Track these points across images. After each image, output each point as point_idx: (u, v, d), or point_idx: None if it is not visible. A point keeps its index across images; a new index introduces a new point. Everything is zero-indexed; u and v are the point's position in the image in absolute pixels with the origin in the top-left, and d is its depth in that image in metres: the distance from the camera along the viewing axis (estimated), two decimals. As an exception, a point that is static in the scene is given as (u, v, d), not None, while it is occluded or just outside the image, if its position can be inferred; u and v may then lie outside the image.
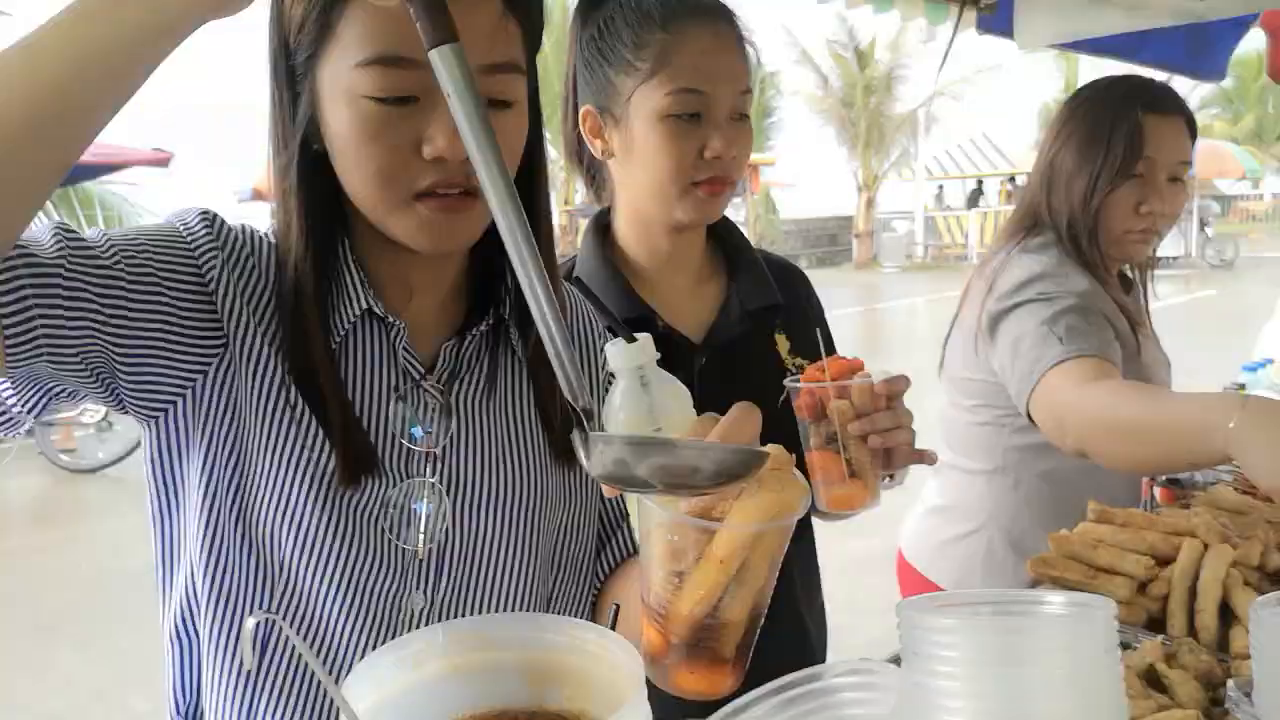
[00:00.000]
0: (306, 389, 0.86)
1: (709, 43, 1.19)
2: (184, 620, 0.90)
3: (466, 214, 0.85)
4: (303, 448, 0.86)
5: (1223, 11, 2.28)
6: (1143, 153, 1.63)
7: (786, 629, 1.39)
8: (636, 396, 0.73)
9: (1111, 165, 1.64)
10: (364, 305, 0.89)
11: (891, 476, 1.14)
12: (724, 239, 1.39)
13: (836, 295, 16.05)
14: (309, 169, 0.86)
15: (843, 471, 1.10)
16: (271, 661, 0.88)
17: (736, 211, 22.00)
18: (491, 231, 0.94)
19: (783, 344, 1.35)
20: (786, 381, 1.17)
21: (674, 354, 1.24)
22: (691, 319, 1.30)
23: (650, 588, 0.68)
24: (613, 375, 0.78)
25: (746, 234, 1.46)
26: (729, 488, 0.62)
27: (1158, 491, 1.94)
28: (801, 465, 0.68)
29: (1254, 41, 3.22)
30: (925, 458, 1.16)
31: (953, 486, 1.87)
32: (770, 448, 0.65)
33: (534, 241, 0.66)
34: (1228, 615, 1.19)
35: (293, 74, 0.85)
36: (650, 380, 0.73)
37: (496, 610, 0.95)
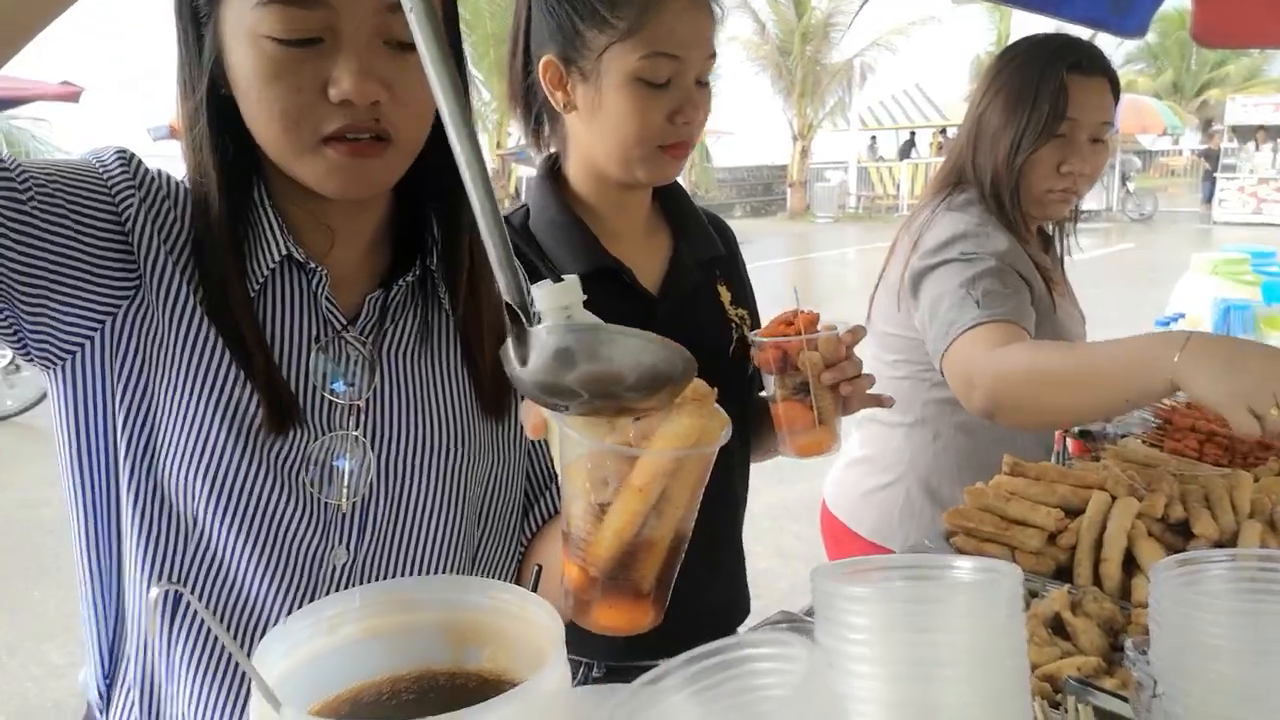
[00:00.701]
0: (227, 333, 0.84)
1: (686, 5, 1.16)
2: (104, 575, 0.88)
3: (377, 159, 0.83)
4: (224, 394, 0.84)
5: (1148, -30, 2.30)
6: (1066, 113, 1.65)
7: (723, 571, 1.43)
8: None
9: (1035, 124, 1.65)
10: (283, 251, 0.86)
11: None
12: (667, 194, 1.39)
13: (770, 245, 16.16)
14: (219, 113, 0.83)
15: (812, 419, 1.18)
16: (192, 623, 0.86)
17: (672, 158, 21.74)
18: (417, 181, 0.92)
19: (724, 294, 1.37)
20: (751, 336, 1.21)
21: (635, 305, 1.27)
22: (646, 270, 1.31)
23: (571, 522, 0.68)
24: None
25: (682, 181, 1.46)
26: (656, 398, 0.61)
27: (1070, 444, 2.01)
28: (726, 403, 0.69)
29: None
30: (883, 401, 1.24)
31: (873, 438, 1.91)
32: (693, 381, 0.64)
33: (477, 142, 0.62)
34: (1132, 565, 1.24)
35: (196, 15, 0.81)
36: (575, 319, 0.71)
37: (421, 566, 0.95)
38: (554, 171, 1.32)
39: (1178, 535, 1.31)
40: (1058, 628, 1.09)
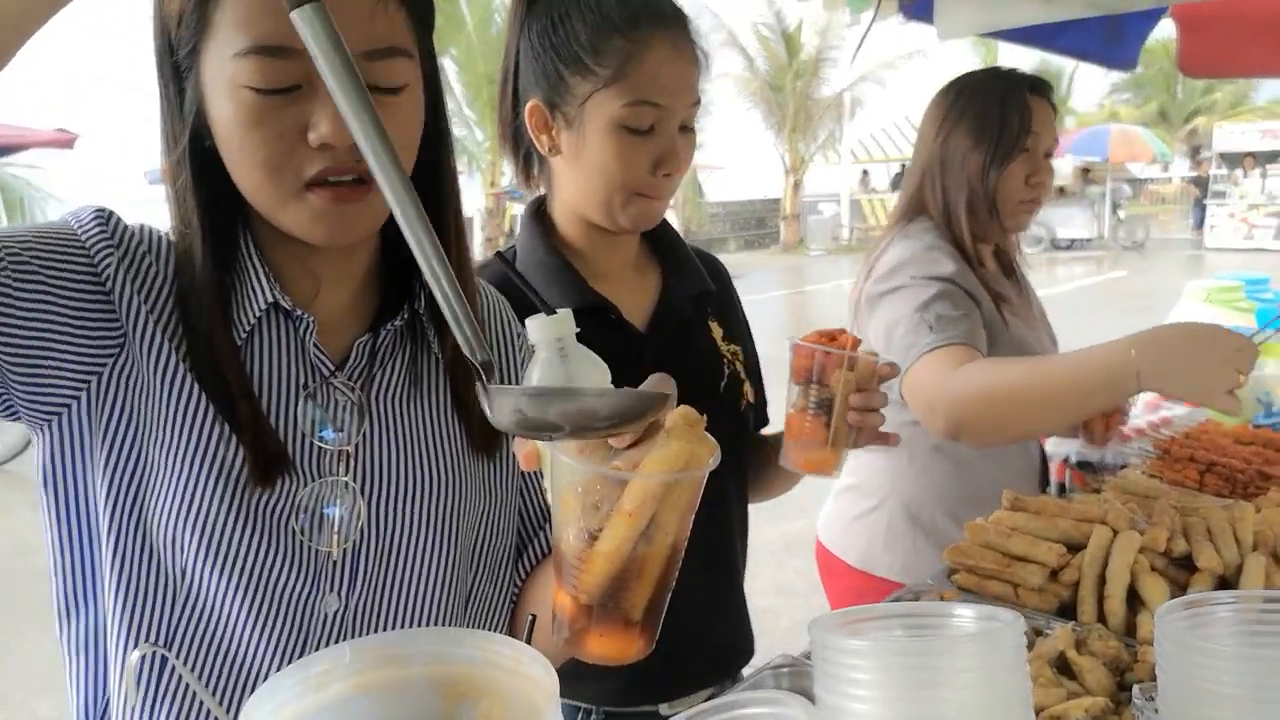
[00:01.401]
0: (212, 387, 0.83)
1: (669, 54, 1.17)
2: (87, 633, 0.86)
3: (360, 203, 0.83)
4: (209, 447, 0.83)
5: (1136, 4, 2.33)
6: (1031, 128, 1.78)
7: (730, 610, 1.42)
8: (555, 367, 0.73)
9: (1007, 140, 1.77)
10: (269, 299, 0.86)
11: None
12: (656, 230, 1.39)
13: (764, 279, 16.21)
14: (202, 165, 0.83)
15: (825, 437, 1.18)
16: (177, 686, 0.84)
17: (666, 194, 21.89)
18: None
19: (716, 330, 1.37)
20: (790, 338, 1.21)
21: (625, 342, 1.27)
22: (635, 308, 1.31)
23: (562, 549, 0.68)
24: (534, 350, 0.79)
25: (674, 217, 1.48)
26: (635, 425, 0.63)
27: (1070, 475, 2.00)
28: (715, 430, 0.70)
29: (1163, 29, 3.33)
30: (889, 440, 1.23)
31: (858, 466, 1.94)
32: (681, 408, 0.65)
33: (417, 199, 0.65)
34: (1136, 601, 1.23)
35: (177, 69, 0.82)
36: (569, 353, 0.73)
37: (414, 610, 0.93)
38: (541, 213, 1.33)
39: (1181, 569, 1.30)
40: (1063, 666, 1.07)
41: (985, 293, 1.75)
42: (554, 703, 0.67)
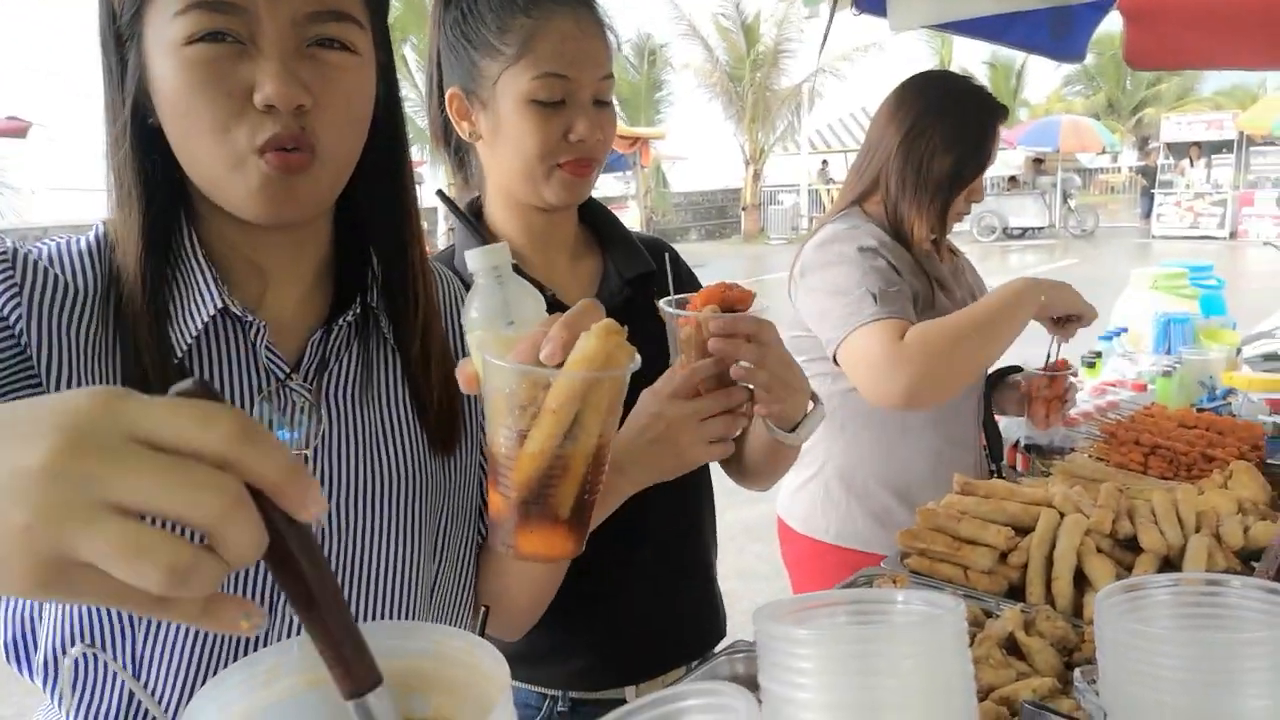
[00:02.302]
0: None
1: (571, 28, 1.20)
2: (18, 641, 0.84)
3: (304, 175, 0.81)
4: None
5: (1081, -4, 2.37)
6: (989, 161, 1.93)
7: (699, 588, 1.45)
8: (491, 294, 0.75)
9: (974, 165, 1.89)
10: (218, 304, 0.83)
11: None
12: (592, 215, 1.42)
13: (726, 267, 16.25)
14: (144, 143, 0.80)
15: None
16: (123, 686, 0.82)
17: (628, 185, 21.99)
18: (353, 214, 0.90)
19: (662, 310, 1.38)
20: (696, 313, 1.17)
21: None
22: (574, 293, 1.31)
23: (494, 450, 0.71)
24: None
25: (638, 207, 1.48)
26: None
27: (1020, 458, 2.03)
28: None
29: (1112, 22, 3.38)
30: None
31: None
32: (604, 320, 0.70)
33: None
34: (1083, 582, 1.25)
35: (119, 38, 0.79)
36: (505, 281, 0.76)
37: (379, 607, 0.92)
38: (475, 212, 1.36)
39: (1126, 550, 1.33)
40: (1012, 648, 1.09)
41: (921, 272, 1.86)
42: (506, 693, 0.66)
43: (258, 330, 0.86)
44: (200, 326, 0.83)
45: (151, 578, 0.39)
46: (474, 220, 1.33)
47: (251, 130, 0.77)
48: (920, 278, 1.86)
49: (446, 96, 1.27)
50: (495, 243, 0.79)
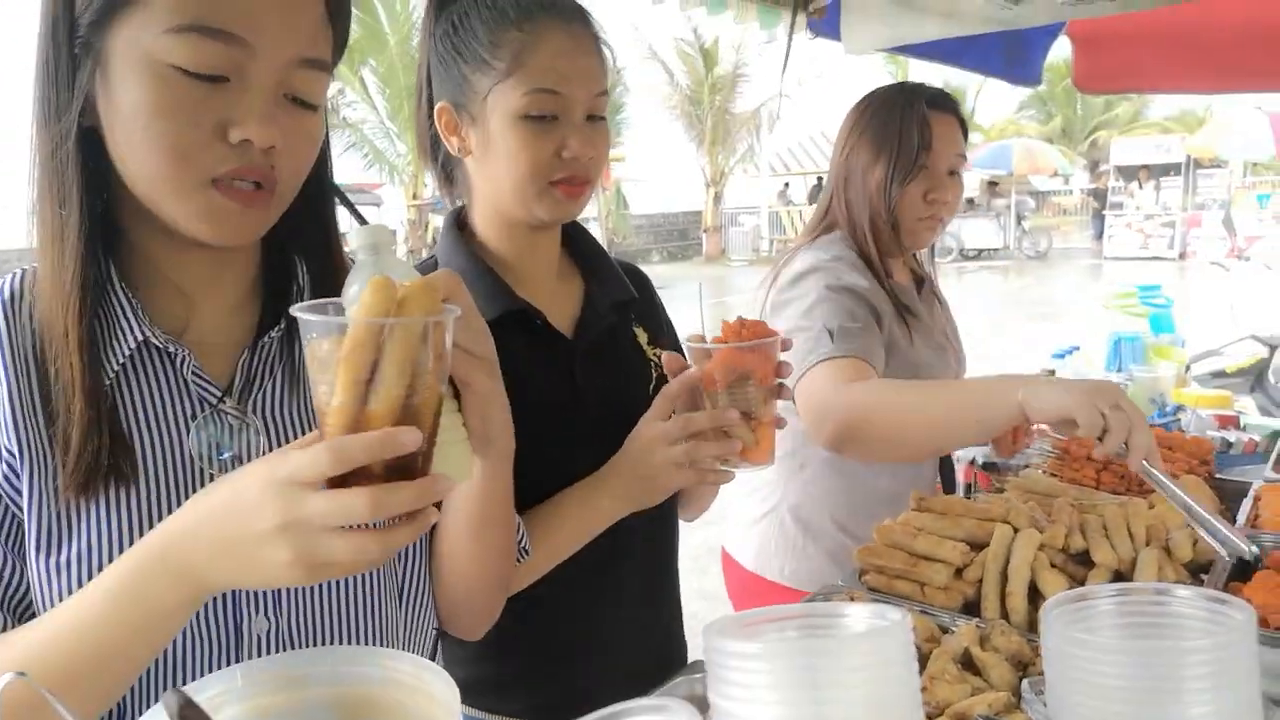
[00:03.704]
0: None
1: (564, 44, 1.18)
2: None
3: (261, 209, 0.81)
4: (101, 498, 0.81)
5: (1031, 20, 2.42)
6: (930, 145, 1.78)
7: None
8: (370, 271, 0.75)
9: (906, 157, 1.77)
10: (139, 336, 0.82)
11: None
12: (576, 239, 1.40)
13: (689, 289, 16.23)
14: (83, 147, 0.79)
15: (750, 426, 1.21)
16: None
17: (589, 207, 21.93)
18: (282, 230, 0.89)
19: (641, 335, 1.38)
20: (699, 344, 1.18)
21: (552, 346, 1.27)
22: (559, 313, 1.30)
23: (315, 407, 0.70)
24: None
25: (599, 229, 1.49)
26: None
27: (976, 477, 2.05)
28: None
29: (1063, 49, 3.47)
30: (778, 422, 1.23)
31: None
32: (385, 278, 0.67)
33: None
34: (1037, 596, 1.26)
35: (72, 34, 0.77)
36: (383, 258, 0.76)
37: (353, 622, 0.91)
38: (460, 222, 1.33)
39: (1079, 565, 1.34)
40: (967, 663, 1.09)
41: (890, 307, 1.76)
42: (455, 717, 0.66)
43: (183, 360, 0.85)
44: (124, 357, 0.82)
45: (373, 551, 0.66)
46: (458, 229, 1.32)
47: (215, 162, 0.77)
48: (891, 315, 1.76)
49: (436, 110, 1.25)
50: (372, 224, 0.79)
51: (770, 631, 0.51)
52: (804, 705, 0.45)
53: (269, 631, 0.86)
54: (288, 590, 0.87)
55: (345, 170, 19.41)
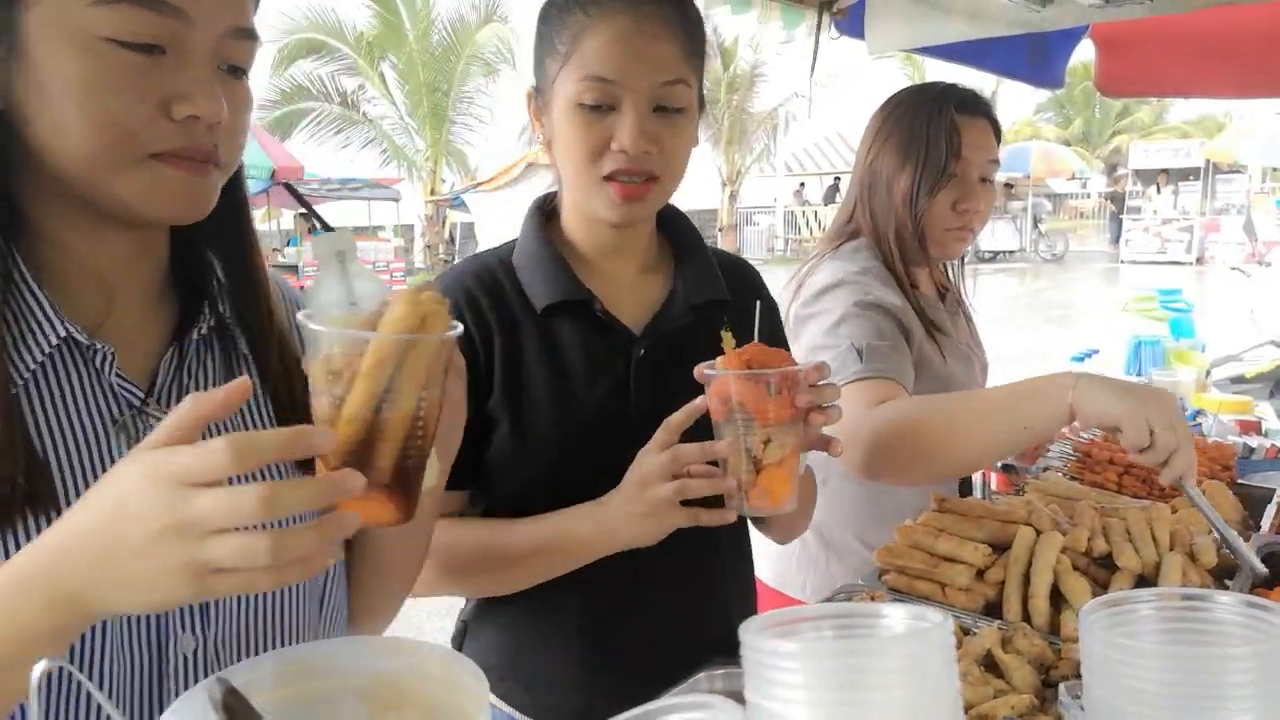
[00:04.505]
0: None
1: (626, 27, 1.11)
2: None
3: (207, 180, 0.79)
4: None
5: (1058, 22, 2.41)
6: (960, 153, 1.67)
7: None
8: (334, 277, 0.75)
9: (933, 166, 1.66)
10: (60, 333, 0.77)
11: None
12: (674, 230, 1.33)
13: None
14: None
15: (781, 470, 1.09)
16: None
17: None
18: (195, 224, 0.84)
19: (728, 341, 1.16)
20: (711, 369, 1.06)
21: (612, 341, 1.21)
22: (633, 309, 1.24)
23: (315, 418, 0.70)
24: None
25: None
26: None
27: (994, 479, 2.04)
28: None
29: (1084, 51, 3.44)
30: (832, 448, 1.13)
31: None
32: (419, 288, 0.69)
33: None
34: (1059, 599, 1.26)
35: None
36: (348, 265, 0.75)
37: (282, 635, 0.88)
38: (545, 208, 1.30)
39: (1102, 568, 1.33)
40: (990, 664, 1.09)
41: (919, 323, 1.67)
42: (484, 711, 0.66)
43: (104, 357, 0.80)
44: (42, 357, 0.77)
45: (259, 553, 0.58)
46: (541, 215, 1.27)
47: (159, 138, 0.75)
48: (920, 331, 1.67)
49: (525, 95, 1.23)
50: (337, 230, 0.80)
51: (807, 631, 0.50)
52: (842, 706, 0.45)
53: (196, 650, 0.82)
54: (215, 606, 0.83)
55: (364, 165, 19.50)
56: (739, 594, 1.35)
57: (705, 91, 1.26)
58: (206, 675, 0.81)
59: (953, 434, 1.39)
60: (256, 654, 0.85)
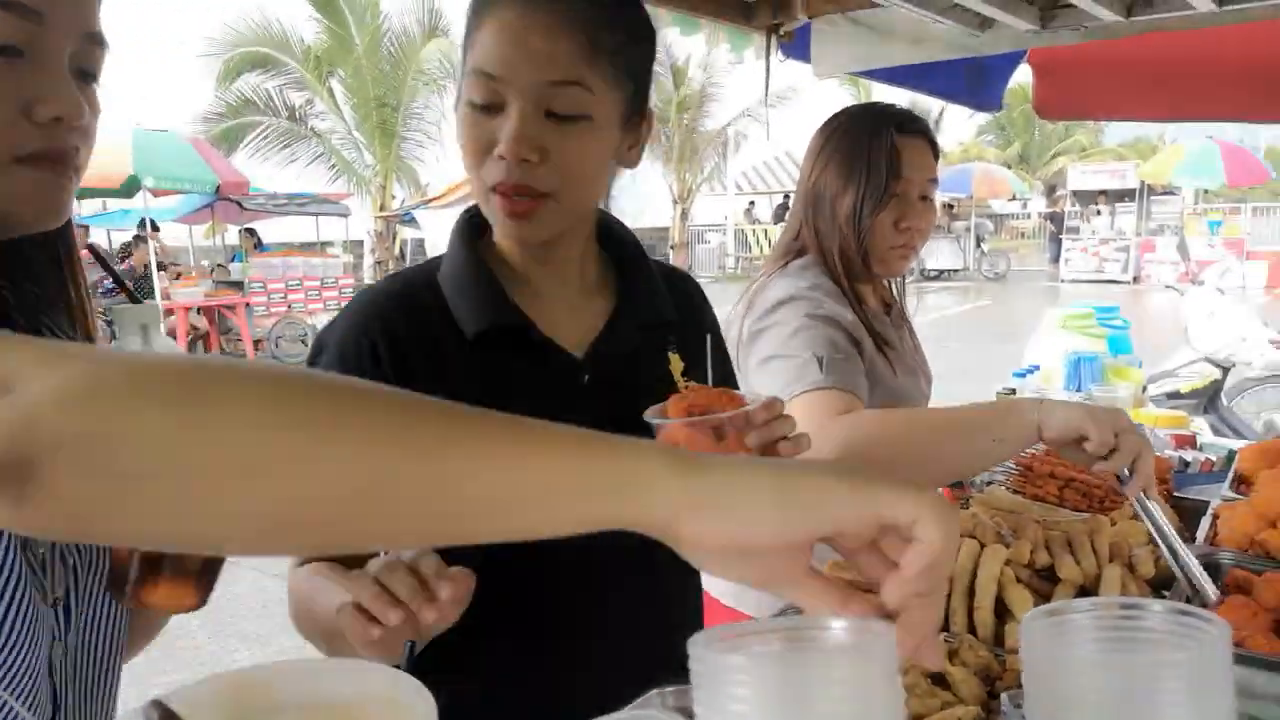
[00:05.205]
0: None
1: (513, 20, 1.00)
2: None
3: (68, 185, 0.78)
4: None
5: (995, 47, 2.48)
6: (900, 173, 1.70)
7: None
8: (137, 349, 0.76)
9: (875, 186, 1.69)
10: None
11: None
12: (615, 246, 1.24)
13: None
14: None
15: None
16: None
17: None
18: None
19: (676, 364, 1.11)
20: (656, 419, 1.00)
21: (554, 368, 1.12)
22: (574, 331, 1.15)
23: None
24: None
25: None
26: None
27: (941, 492, 2.07)
28: None
29: (1024, 75, 3.55)
30: None
31: None
32: None
33: None
34: (1004, 611, 1.28)
35: None
36: (152, 339, 0.76)
37: (108, 675, 0.88)
38: (475, 220, 1.17)
39: (1044, 580, 1.36)
40: (937, 677, 1.10)
41: (869, 337, 1.69)
42: (432, 733, 0.65)
43: None
44: None
45: None
46: (470, 229, 1.17)
47: (21, 140, 0.74)
48: (870, 345, 1.68)
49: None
50: (146, 303, 0.79)
51: (755, 644, 0.51)
52: (788, 718, 0.45)
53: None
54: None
55: (313, 180, 19.24)
56: (686, 614, 1.31)
57: (655, 108, 1.19)
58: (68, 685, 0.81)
59: (935, 447, 1.42)
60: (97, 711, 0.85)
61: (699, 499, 0.51)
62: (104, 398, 0.50)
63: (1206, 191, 20.38)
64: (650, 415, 1.00)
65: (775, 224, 25.98)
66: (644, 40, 1.11)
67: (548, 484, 0.53)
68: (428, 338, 1.10)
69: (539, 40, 0.99)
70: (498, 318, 1.10)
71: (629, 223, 1.31)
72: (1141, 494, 1.28)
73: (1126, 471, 1.27)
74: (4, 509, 0.50)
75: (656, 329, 1.18)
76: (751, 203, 28.01)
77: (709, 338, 1.11)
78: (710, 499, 0.51)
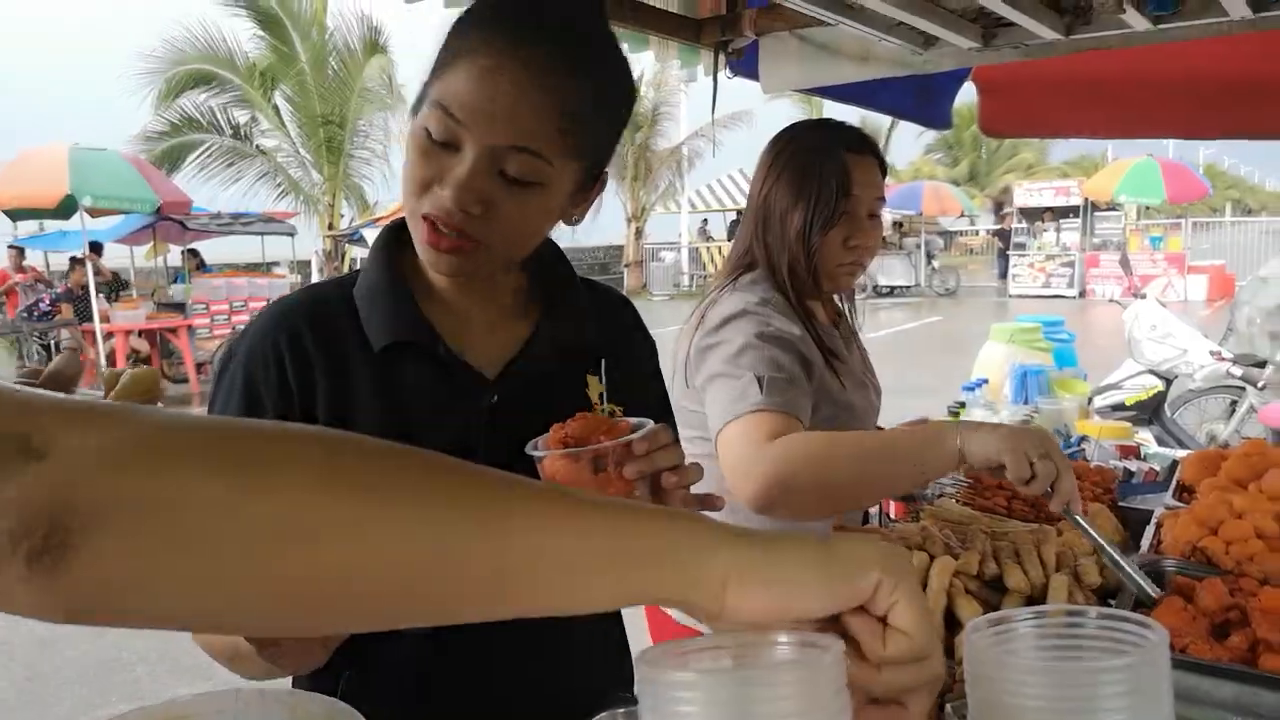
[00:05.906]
0: None
1: (488, 68, 0.95)
2: None
3: None
4: None
5: (939, 65, 2.52)
6: (850, 191, 1.72)
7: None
8: None
9: (825, 204, 1.70)
10: None
11: None
12: (545, 269, 1.21)
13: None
14: None
15: None
16: None
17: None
18: None
19: (595, 388, 1.09)
20: (536, 450, 0.97)
21: (460, 385, 1.10)
22: (488, 352, 1.14)
23: None
24: None
25: None
26: None
27: (892, 505, 2.09)
28: None
29: (969, 95, 3.62)
30: (715, 503, 1.06)
31: None
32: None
33: None
34: (953, 622, 1.29)
35: None
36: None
37: None
38: (399, 235, 1.14)
39: (993, 590, 1.37)
40: (889, 691, 1.10)
41: (818, 352, 1.69)
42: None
43: None
44: None
45: None
46: (394, 244, 1.14)
47: None
48: (819, 361, 1.68)
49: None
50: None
51: (705, 660, 0.50)
52: (735, 734, 0.45)
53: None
54: None
55: (259, 199, 18.97)
56: (606, 654, 1.27)
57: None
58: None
59: (859, 472, 1.45)
60: None
61: (746, 570, 0.53)
62: (150, 460, 0.48)
63: (1148, 208, 20.94)
64: (530, 448, 0.98)
65: (729, 241, 26.16)
66: (616, 111, 1.08)
67: (611, 551, 0.53)
68: (334, 348, 1.08)
69: (508, 98, 0.96)
70: (405, 331, 1.08)
71: (582, 241, 1.30)
72: (1067, 508, 1.32)
73: (1050, 489, 1.32)
74: (36, 581, 0.47)
75: (577, 353, 1.15)
76: (705, 220, 28.20)
77: (602, 361, 1.08)
78: (757, 571, 0.53)
